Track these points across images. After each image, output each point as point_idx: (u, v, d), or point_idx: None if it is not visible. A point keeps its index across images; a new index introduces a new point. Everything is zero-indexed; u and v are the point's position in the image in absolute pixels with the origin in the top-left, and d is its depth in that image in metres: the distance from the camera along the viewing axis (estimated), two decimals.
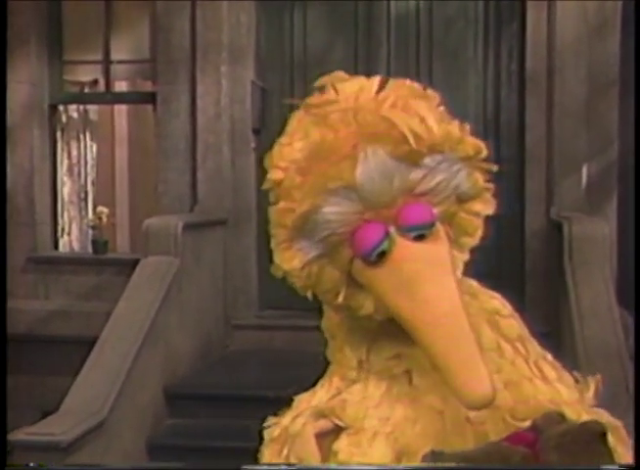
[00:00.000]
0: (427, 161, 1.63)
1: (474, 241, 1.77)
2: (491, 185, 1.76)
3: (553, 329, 6.09)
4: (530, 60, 6.54)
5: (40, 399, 6.71)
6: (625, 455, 1.66)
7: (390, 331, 1.73)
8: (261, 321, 6.82)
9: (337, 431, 1.79)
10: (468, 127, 1.74)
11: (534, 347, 1.84)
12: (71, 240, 7.65)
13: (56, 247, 7.46)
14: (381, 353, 1.78)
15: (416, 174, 1.63)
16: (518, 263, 6.58)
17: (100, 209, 7.42)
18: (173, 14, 6.84)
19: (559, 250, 5.95)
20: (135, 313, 5.47)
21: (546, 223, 6.43)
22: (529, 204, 6.54)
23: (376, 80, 1.74)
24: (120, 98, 7.87)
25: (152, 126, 8.10)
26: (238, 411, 5.42)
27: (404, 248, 1.63)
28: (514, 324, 1.85)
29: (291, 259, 1.69)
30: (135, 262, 6.04)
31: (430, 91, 1.75)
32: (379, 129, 1.62)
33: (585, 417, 1.67)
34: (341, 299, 1.72)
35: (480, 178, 1.73)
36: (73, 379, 5.24)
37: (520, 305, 6.22)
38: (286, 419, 1.90)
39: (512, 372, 1.76)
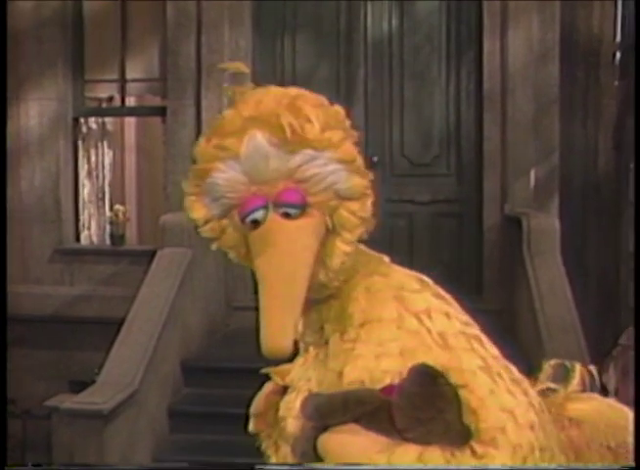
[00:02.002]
0: (301, 154, 1.64)
1: (353, 236, 1.72)
2: (371, 192, 1.73)
3: (506, 307, 6.12)
4: (486, 81, 6.52)
5: (66, 372, 6.69)
6: (469, 399, 1.59)
7: (317, 307, 1.75)
8: (257, 303, 6.74)
9: (285, 390, 1.88)
10: (355, 137, 1.72)
11: (450, 321, 1.75)
12: (91, 234, 7.57)
13: (78, 240, 7.36)
14: (311, 327, 1.79)
15: (292, 162, 1.63)
16: (477, 253, 6.55)
17: (117, 207, 7.37)
18: (181, 39, 6.78)
19: (512, 240, 5.97)
20: (156, 298, 5.39)
21: (501, 218, 6.42)
22: (486, 202, 6.51)
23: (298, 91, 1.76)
24: (134, 111, 7.76)
25: (157, 136, 8.02)
26: (243, 381, 5.31)
27: (273, 221, 1.64)
28: (420, 298, 1.78)
29: (197, 210, 1.72)
30: (148, 253, 5.98)
31: (335, 106, 1.73)
32: (265, 117, 1.64)
33: (470, 384, 1.60)
34: (236, 254, 1.75)
35: (360, 183, 1.70)
36: (98, 354, 5.18)
37: (478, 287, 6.26)
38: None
39: (409, 341, 1.69)
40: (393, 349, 1.69)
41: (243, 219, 1.68)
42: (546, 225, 5.56)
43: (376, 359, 1.68)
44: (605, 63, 6.95)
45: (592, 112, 6.94)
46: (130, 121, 8.78)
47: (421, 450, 1.56)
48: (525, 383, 1.77)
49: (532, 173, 6.44)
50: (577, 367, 2.02)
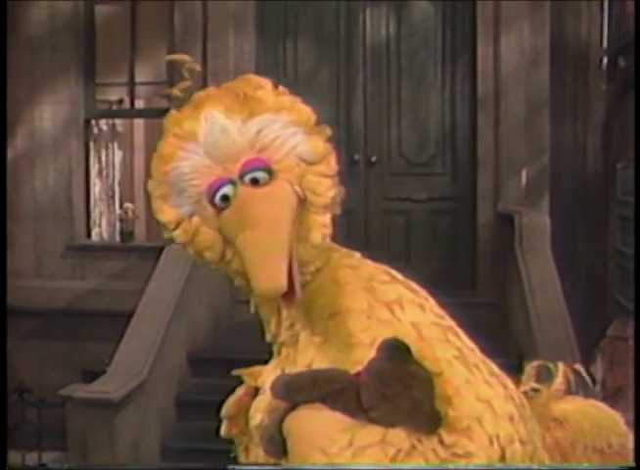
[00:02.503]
0: (259, 119, 1.57)
1: (325, 200, 1.62)
2: (333, 149, 1.65)
3: (499, 301, 6.13)
4: (480, 84, 6.52)
5: (79, 362, 6.68)
6: (444, 387, 1.51)
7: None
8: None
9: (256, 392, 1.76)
10: (298, 100, 1.64)
11: (423, 312, 1.67)
12: (102, 231, 7.58)
13: (89, 236, 7.35)
14: (283, 324, 1.68)
15: (251, 129, 1.56)
16: (471, 249, 6.55)
17: (126, 204, 7.37)
18: (188, 44, 6.75)
19: (505, 237, 5.96)
20: (164, 292, 5.39)
21: (494, 216, 6.42)
22: (480, 200, 6.51)
23: None
24: (143, 113, 7.73)
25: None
26: None
27: (243, 192, 1.54)
28: (391, 289, 1.68)
29: (166, 212, 1.61)
30: (156, 249, 5.95)
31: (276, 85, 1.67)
32: (217, 94, 1.59)
33: (452, 373, 1.53)
34: (212, 255, 1.61)
35: (320, 143, 1.62)
36: (109, 345, 5.18)
37: (473, 282, 6.26)
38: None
39: (381, 330, 1.59)
40: (364, 339, 1.59)
41: (212, 201, 1.58)
42: (537, 222, 5.56)
43: (346, 350, 1.59)
44: (593, 67, 6.96)
45: (581, 114, 6.95)
46: (139, 123, 8.78)
47: (384, 433, 1.47)
48: (505, 377, 1.68)
49: (524, 173, 6.44)
50: (561, 367, 1.96)
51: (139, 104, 7.48)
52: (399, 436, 1.47)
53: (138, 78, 7.11)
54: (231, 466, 1.59)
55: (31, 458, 5.79)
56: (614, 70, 6.92)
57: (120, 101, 7.48)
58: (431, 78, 6.69)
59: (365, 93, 6.74)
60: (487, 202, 6.47)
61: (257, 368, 1.81)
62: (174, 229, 1.62)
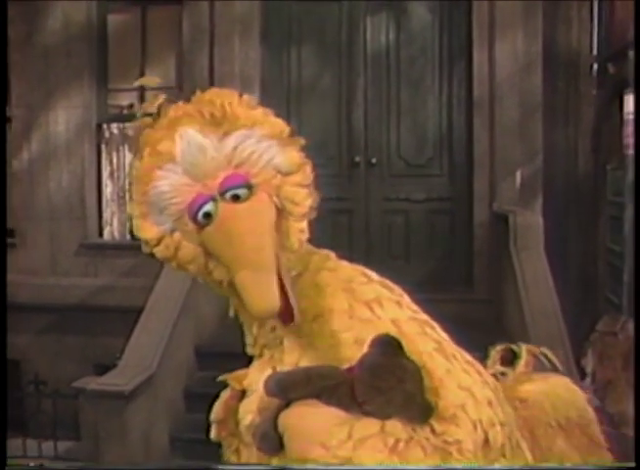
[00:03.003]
0: (234, 135, 1.56)
1: (303, 209, 1.61)
2: (307, 160, 1.64)
3: (495, 297, 6.11)
4: (476, 89, 6.51)
5: (92, 355, 6.69)
6: (428, 379, 1.52)
7: None
8: None
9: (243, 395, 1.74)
10: (270, 112, 1.64)
11: (401, 309, 1.69)
12: (113, 230, 7.54)
13: (101, 235, 7.35)
14: (264, 327, 1.68)
15: (227, 146, 1.55)
16: (468, 247, 6.54)
17: None
18: (195, 51, 6.79)
19: (500, 236, 5.95)
20: (172, 289, 5.36)
21: (489, 215, 6.41)
22: (476, 200, 6.49)
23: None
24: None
25: None
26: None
27: (225, 209, 1.54)
28: (369, 289, 1.69)
29: (147, 230, 1.60)
30: None
31: (245, 96, 1.65)
32: (190, 112, 1.57)
33: (427, 364, 1.55)
34: (195, 268, 1.62)
35: (295, 154, 1.62)
36: (120, 340, 5.18)
37: (469, 279, 6.24)
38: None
39: (362, 330, 1.60)
40: (348, 338, 1.60)
41: (195, 219, 1.56)
42: (531, 222, 5.54)
43: (331, 350, 1.60)
44: (583, 73, 6.95)
45: (572, 118, 6.93)
46: None
47: (382, 424, 1.48)
48: (478, 364, 1.70)
49: (518, 174, 6.43)
50: (524, 349, 1.98)
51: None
52: (397, 426, 1.48)
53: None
54: (220, 466, 1.56)
55: (47, 447, 5.80)
56: (603, 76, 6.91)
57: (131, 106, 7.46)
58: (428, 83, 6.69)
59: (366, 97, 6.73)
60: (483, 202, 6.46)
61: (241, 372, 1.79)
62: (155, 245, 1.61)
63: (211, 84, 6.69)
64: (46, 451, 5.80)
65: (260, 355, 1.72)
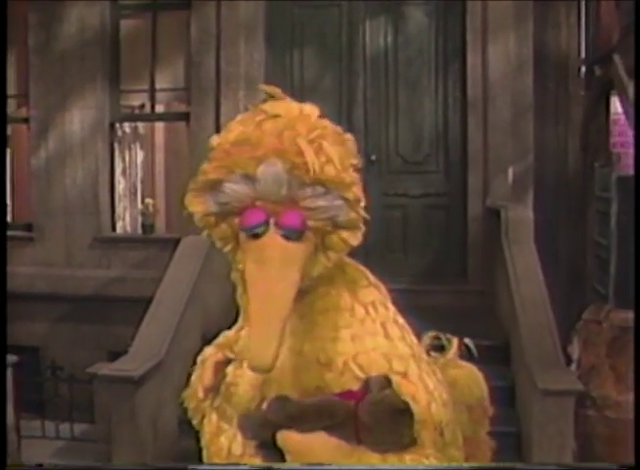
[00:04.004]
0: (315, 188, 1.58)
1: (337, 256, 1.69)
2: (362, 227, 1.71)
3: (488, 288, 6.10)
4: (470, 90, 6.49)
5: (105, 343, 6.69)
6: (406, 384, 1.62)
7: None
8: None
9: (230, 360, 1.83)
10: (357, 179, 1.68)
11: (387, 312, 1.79)
12: (125, 224, 7.58)
13: (114, 229, 7.35)
14: None
15: (304, 193, 1.58)
16: (462, 240, 6.53)
17: (147, 200, 7.37)
18: (203, 53, 6.78)
19: (493, 230, 5.94)
20: (181, 280, 5.39)
21: (483, 210, 6.39)
22: (471, 195, 6.48)
23: (314, 111, 1.69)
24: (162, 117, 7.73)
25: (182, 138, 8.00)
26: None
27: (271, 238, 1.57)
28: (369, 292, 1.79)
29: (196, 205, 1.66)
30: (174, 241, 5.96)
31: (347, 135, 1.70)
32: (288, 149, 1.56)
33: (410, 370, 1.64)
34: (228, 249, 1.68)
35: (356, 217, 1.67)
36: (131, 328, 5.18)
37: (464, 271, 6.22)
38: (207, 349, 1.96)
39: (359, 329, 1.71)
40: (346, 334, 1.69)
41: (244, 230, 1.61)
42: (522, 216, 5.54)
43: (331, 342, 1.68)
44: (572, 75, 6.93)
45: (562, 117, 6.91)
46: (159, 126, 8.77)
47: (383, 458, 1.58)
48: (432, 363, 1.81)
49: (510, 171, 6.41)
50: (454, 340, 2.09)
51: (159, 108, 7.47)
52: (393, 458, 1.58)
53: (158, 85, 7.11)
54: (191, 466, 1.58)
55: (64, 428, 5.82)
56: (591, 78, 6.90)
57: (142, 106, 7.47)
58: (425, 84, 6.67)
59: (365, 97, 6.71)
60: (477, 197, 6.45)
61: (232, 336, 1.85)
62: (200, 218, 1.68)
63: (218, 85, 6.68)
64: (63, 433, 5.82)
65: None
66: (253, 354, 1.51)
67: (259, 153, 1.56)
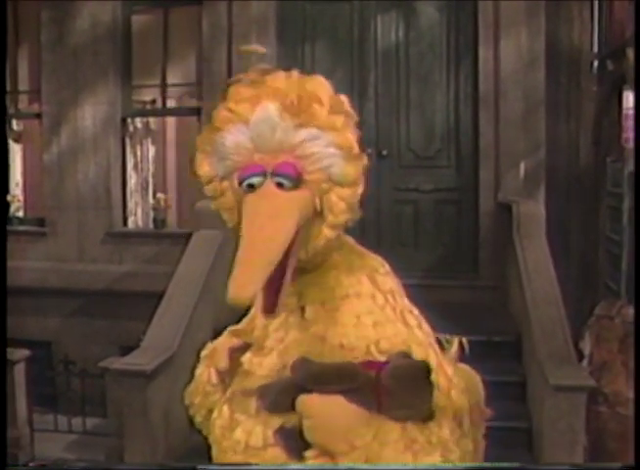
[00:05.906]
0: (307, 130, 1.59)
1: (338, 220, 1.65)
2: (362, 181, 1.67)
3: (499, 283, 6.08)
4: (482, 84, 6.47)
5: (117, 338, 6.72)
6: (443, 390, 1.62)
7: (295, 273, 1.66)
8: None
9: (246, 347, 1.79)
10: (355, 120, 1.67)
11: (403, 301, 1.80)
12: (137, 219, 7.57)
13: (126, 224, 7.37)
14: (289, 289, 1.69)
15: (297, 137, 1.59)
16: (473, 235, 6.51)
17: (159, 195, 7.38)
18: (214, 48, 6.78)
19: (504, 224, 5.92)
20: (192, 274, 5.39)
21: (494, 205, 6.38)
22: (482, 190, 6.46)
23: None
24: (174, 112, 7.72)
25: (194, 133, 7.99)
26: None
27: (266, 188, 1.58)
28: (387, 280, 1.80)
29: (203, 167, 1.68)
30: (185, 236, 5.96)
31: (340, 97, 1.67)
32: (279, 91, 1.60)
33: (430, 357, 1.65)
34: (229, 217, 1.69)
35: (353, 171, 1.64)
36: (143, 323, 5.19)
37: (475, 265, 6.20)
38: (210, 344, 1.94)
39: (380, 315, 1.72)
40: (368, 320, 1.70)
41: (240, 182, 1.62)
42: (534, 211, 5.52)
43: (354, 327, 1.68)
44: (584, 70, 6.90)
45: (574, 112, 6.88)
46: (171, 121, 8.74)
47: (402, 427, 1.59)
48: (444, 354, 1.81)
49: (522, 166, 6.40)
50: (455, 340, 2.04)
51: (170, 103, 7.48)
52: (414, 430, 1.60)
53: (169, 80, 7.13)
54: (200, 466, 1.57)
55: (76, 422, 5.84)
56: (603, 73, 6.85)
57: (154, 101, 7.47)
58: (436, 79, 6.65)
59: (376, 92, 6.70)
60: (488, 192, 6.43)
61: (250, 323, 1.83)
62: (207, 183, 1.70)
63: (229, 78, 6.67)
64: (75, 427, 5.85)
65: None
66: (233, 289, 1.49)
67: (251, 95, 1.61)
